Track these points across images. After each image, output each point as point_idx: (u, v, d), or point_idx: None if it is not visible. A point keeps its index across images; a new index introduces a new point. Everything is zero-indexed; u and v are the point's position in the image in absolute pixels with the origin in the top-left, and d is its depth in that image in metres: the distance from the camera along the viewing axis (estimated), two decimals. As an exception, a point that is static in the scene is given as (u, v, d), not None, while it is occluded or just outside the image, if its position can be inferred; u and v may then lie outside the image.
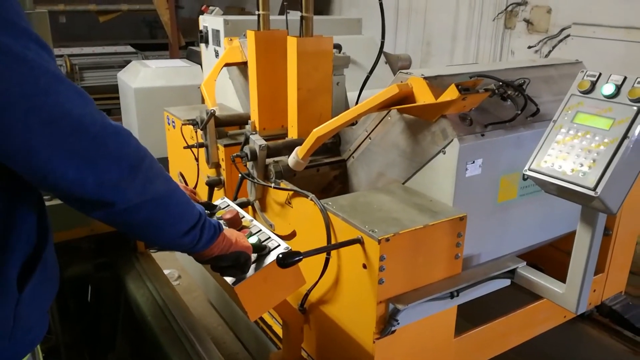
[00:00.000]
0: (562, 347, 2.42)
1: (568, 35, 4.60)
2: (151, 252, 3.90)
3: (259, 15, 2.48)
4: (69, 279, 2.23)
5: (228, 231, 1.41)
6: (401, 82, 1.88)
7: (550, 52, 4.80)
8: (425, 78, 1.83)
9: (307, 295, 1.95)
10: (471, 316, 2.09)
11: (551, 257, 2.51)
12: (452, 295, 1.75)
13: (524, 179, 1.98)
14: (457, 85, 1.70)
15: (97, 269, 2.27)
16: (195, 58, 4.83)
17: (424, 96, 1.81)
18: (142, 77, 4.38)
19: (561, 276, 1.77)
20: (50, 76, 0.93)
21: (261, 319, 2.44)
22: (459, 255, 1.78)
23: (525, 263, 1.90)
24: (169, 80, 4.39)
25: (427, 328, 1.82)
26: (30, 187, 1.07)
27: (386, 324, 1.66)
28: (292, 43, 2.17)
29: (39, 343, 1.22)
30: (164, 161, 3.46)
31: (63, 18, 7.01)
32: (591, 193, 1.39)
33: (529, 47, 4.96)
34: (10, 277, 1.04)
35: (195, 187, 2.69)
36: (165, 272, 3.87)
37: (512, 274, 1.90)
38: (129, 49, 7.18)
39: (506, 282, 1.93)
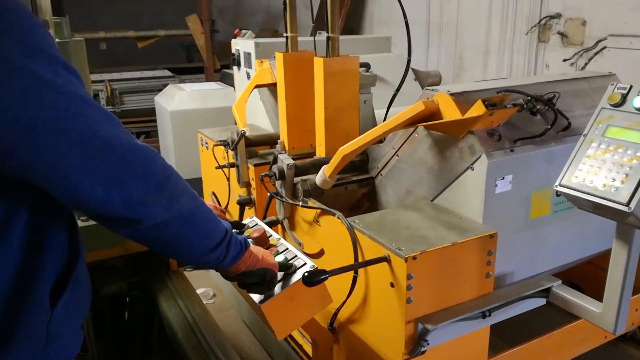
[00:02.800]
0: (603, 369, 2.32)
1: (604, 47, 4.48)
2: (187, 270, 3.96)
3: (287, 37, 2.52)
4: (105, 297, 2.28)
5: (255, 248, 1.43)
6: (427, 98, 1.87)
7: (586, 64, 4.68)
8: (451, 94, 1.82)
9: (335, 314, 1.94)
10: (508, 336, 2.03)
11: (591, 275, 2.42)
12: (483, 315, 1.71)
13: (557, 195, 1.93)
14: (483, 101, 1.69)
15: (132, 287, 2.32)
16: (229, 80, 4.93)
17: (450, 112, 1.80)
18: (178, 100, 4.50)
19: (602, 295, 1.70)
20: (78, 100, 0.98)
21: (292, 338, 2.44)
22: (490, 273, 1.74)
23: (560, 281, 1.85)
24: (203, 103, 4.49)
25: (459, 349, 1.78)
26: (61, 205, 1.11)
27: (415, 344, 1.63)
28: (318, 63, 2.20)
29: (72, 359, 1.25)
30: (199, 182, 3.53)
31: (104, 45, 7.29)
32: (624, 209, 1.34)
33: (564, 60, 4.85)
34: (43, 294, 1.07)
35: (226, 207, 2.74)
36: (200, 290, 3.94)
37: (547, 293, 1.85)
38: (167, 73, 7.39)
39: (541, 302, 1.87)
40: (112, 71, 7.22)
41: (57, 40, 1.98)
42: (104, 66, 7.53)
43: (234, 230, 1.75)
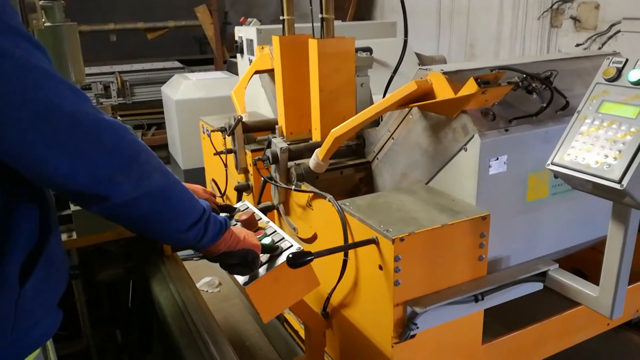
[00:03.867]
0: (604, 357, 2.26)
1: (618, 31, 4.35)
2: (194, 259, 3.96)
3: (283, 20, 2.49)
4: (102, 283, 2.29)
5: (236, 229, 1.41)
6: (420, 78, 1.83)
7: (599, 49, 4.56)
8: (444, 73, 1.77)
9: (328, 299, 1.91)
10: (510, 323, 1.98)
11: (595, 261, 2.34)
12: (476, 299, 1.67)
13: (556, 177, 1.87)
14: (476, 79, 1.64)
15: (128, 272, 2.32)
16: (234, 69, 4.92)
17: (443, 92, 1.75)
18: (183, 89, 4.50)
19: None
20: (39, 72, 0.96)
21: (289, 324, 2.42)
22: (483, 256, 1.70)
23: (557, 265, 1.80)
24: (208, 92, 4.48)
25: (452, 333, 1.74)
26: (31, 183, 1.10)
27: (405, 327, 1.60)
28: (312, 45, 2.16)
29: (48, 339, 1.24)
30: (202, 170, 3.53)
31: (114, 37, 7.30)
32: (617, 186, 1.29)
33: (577, 45, 4.74)
34: (11, 272, 1.06)
35: (224, 193, 2.72)
36: (206, 279, 3.95)
37: (543, 277, 1.80)
38: (176, 64, 7.39)
39: (538, 286, 1.82)
40: (123, 63, 7.24)
41: (48, 24, 1.98)
42: (117, 58, 7.56)
43: (224, 214, 1.74)
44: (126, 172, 1.06)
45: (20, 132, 0.94)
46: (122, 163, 1.05)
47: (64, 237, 2.06)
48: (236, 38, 3.63)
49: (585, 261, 2.38)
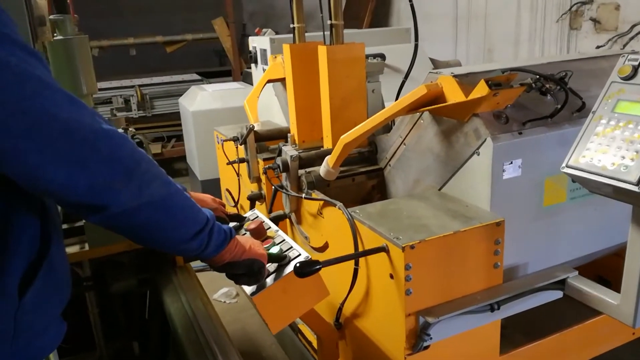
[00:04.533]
0: (631, 368, 2.17)
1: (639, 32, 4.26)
2: (209, 270, 3.95)
3: (293, 28, 2.48)
4: (115, 294, 2.29)
5: (243, 238, 1.38)
6: (431, 82, 1.79)
7: (621, 50, 4.46)
8: (455, 76, 1.73)
9: (340, 309, 1.87)
10: (531, 332, 1.91)
11: (620, 268, 2.27)
12: (492, 308, 1.62)
13: (574, 181, 1.81)
14: (487, 81, 1.59)
15: (140, 283, 2.32)
16: (250, 79, 4.93)
17: (454, 95, 1.71)
18: (199, 100, 4.52)
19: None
20: (35, 81, 0.95)
21: (302, 335, 2.39)
22: (499, 264, 1.64)
23: (577, 272, 1.73)
24: (224, 103, 4.49)
25: (467, 344, 1.69)
26: (30, 193, 1.09)
27: (417, 338, 1.55)
28: (322, 51, 2.14)
29: (52, 351, 1.23)
30: (219, 181, 3.53)
31: (133, 51, 7.41)
32: (634, 188, 1.23)
33: (598, 47, 4.64)
34: (10, 283, 1.05)
35: (237, 203, 2.71)
36: (223, 290, 3.94)
37: (562, 285, 1.73)
38: (195, 76, 7.46)
39: (557, 295, 1.76)
40: (143, 77, 7.33)
41: (60, 37, 2.00)
42: (137, 72, 7.67)
43: (234, 223, 1.72)
44: (125, 181, 1.05)
45: (15, 140, 0.94)
46: (120, 171, 1.04)
47: (76, 248, 2.08)
48: (250, 48, 3.64)
49: (608, 268, 2.30)
